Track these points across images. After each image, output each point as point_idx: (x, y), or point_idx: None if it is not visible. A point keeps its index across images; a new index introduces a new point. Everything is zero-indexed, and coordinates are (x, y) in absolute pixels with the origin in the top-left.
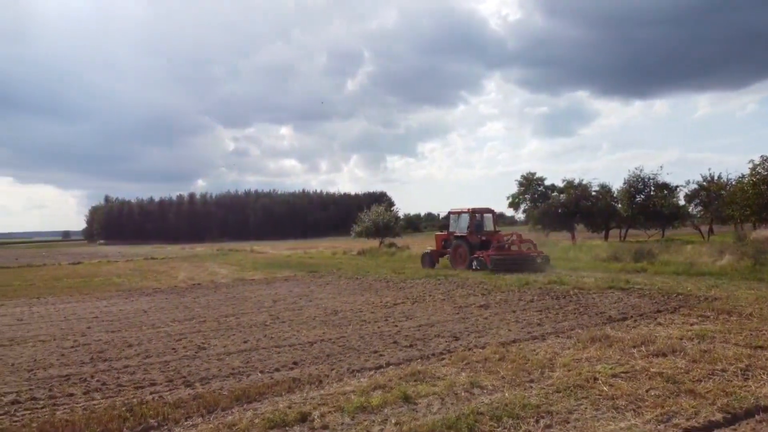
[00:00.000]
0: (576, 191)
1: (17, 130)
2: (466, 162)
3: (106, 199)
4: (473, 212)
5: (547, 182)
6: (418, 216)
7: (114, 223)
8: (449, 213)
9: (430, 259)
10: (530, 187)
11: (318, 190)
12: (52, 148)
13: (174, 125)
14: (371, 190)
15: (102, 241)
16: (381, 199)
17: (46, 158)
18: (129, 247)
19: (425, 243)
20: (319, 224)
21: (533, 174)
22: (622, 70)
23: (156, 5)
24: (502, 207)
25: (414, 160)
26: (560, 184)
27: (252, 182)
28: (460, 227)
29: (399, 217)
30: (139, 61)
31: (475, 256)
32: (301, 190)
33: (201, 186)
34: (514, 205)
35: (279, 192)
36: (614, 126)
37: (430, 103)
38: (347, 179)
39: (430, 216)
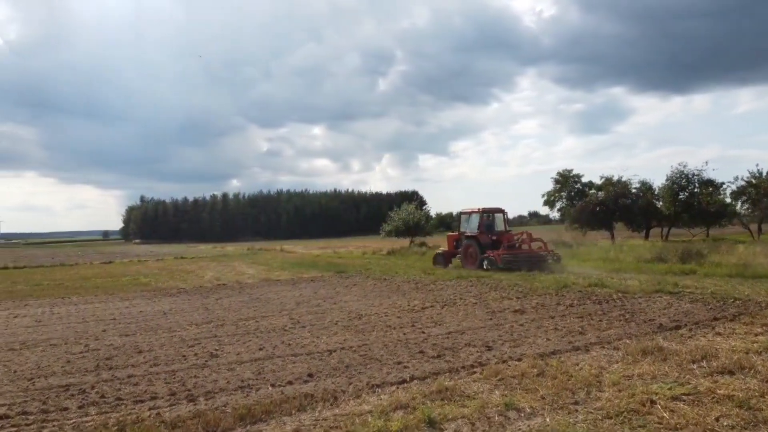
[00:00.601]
0: (615, 188)
1: (59, 132)
2: (499, 160)
3: (142, 199)
4: (483, 212)
5: (584, 179)
6: (450, 215)
7: (149, 222)
8: (460, 213)
9: (443, 260)
10: (566, 184)
11: (349, 189)
12: (93, 149)
13: (209, 126)
14: (403, 189)
15: (137, 241)
16: (412, 198)
17: (87, 160)
18: (162, 246)
19: None
20: (350, 224)
21: (569, 171)
22: (660, 66)
23: (191, 9)
24: (536, 206)
25: (446, 159)
26: (598, 182)
27: (285, 182)
28: (471, 227)
29: (430, 215)
30: (175, 64)
31: (486, 255)
32: (332, 190)
33: (235, 186)
34: (549, 203)
35: (310, 192)
36: (651, 123)
37: (462, 101)
38: (379, 178)
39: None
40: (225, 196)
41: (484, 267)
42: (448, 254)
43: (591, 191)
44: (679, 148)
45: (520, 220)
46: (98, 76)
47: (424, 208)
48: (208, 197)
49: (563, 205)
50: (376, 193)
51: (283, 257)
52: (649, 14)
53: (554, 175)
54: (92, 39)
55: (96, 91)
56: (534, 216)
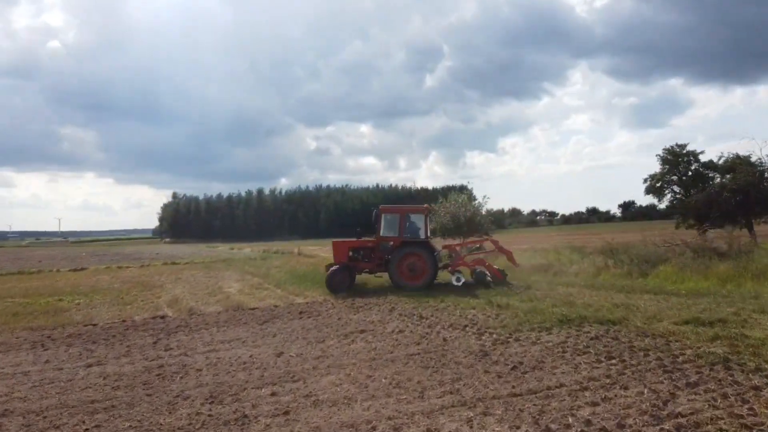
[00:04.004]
0: (755, 169)
1: (116, 134)
2: (549, 157)
3: (174, 195)
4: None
5: (702, 157)
6: (501, 211)
7: (181, 220)
8: (379, 212)
9: (345, 278)
10: (679, 164)
11: (393, 185)
12: (147, 150)
13: (258, 126)
14: (450, 184)
15: (167, 239)
16: (462, 191)
17: (142, 160)
18: (183, 246)
19: (517, 241)
20: None
21: (682, 147)
22: (720, 55)
23: (239, 11)
24: (592, 202)
25: (494, 156)
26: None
27: (332, 180)
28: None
29: (502, 210)
30: (225, 65)
31: (455, 268)
32: (375, 185)
33: (284, 184)
34: (655, 191)
35: (352, 188)
36: (711, 115)
37: (511, 96)
38: (426, 176)
39: (514, 211)
40: (260, 192)
41: (453, 282)
42: (347, 270)
43: (712, 175)
44: (740, 143)
45: (578, 218)
46: (151, 79)
47: (483, 198)
48: (243, 193)
49: (674, 192)
50: (422, 188)
51: (294, 264)
52: (709, 0)
53: (661, 152)
54: (145, 43)
55: (149, 94)
56: (593, 213)
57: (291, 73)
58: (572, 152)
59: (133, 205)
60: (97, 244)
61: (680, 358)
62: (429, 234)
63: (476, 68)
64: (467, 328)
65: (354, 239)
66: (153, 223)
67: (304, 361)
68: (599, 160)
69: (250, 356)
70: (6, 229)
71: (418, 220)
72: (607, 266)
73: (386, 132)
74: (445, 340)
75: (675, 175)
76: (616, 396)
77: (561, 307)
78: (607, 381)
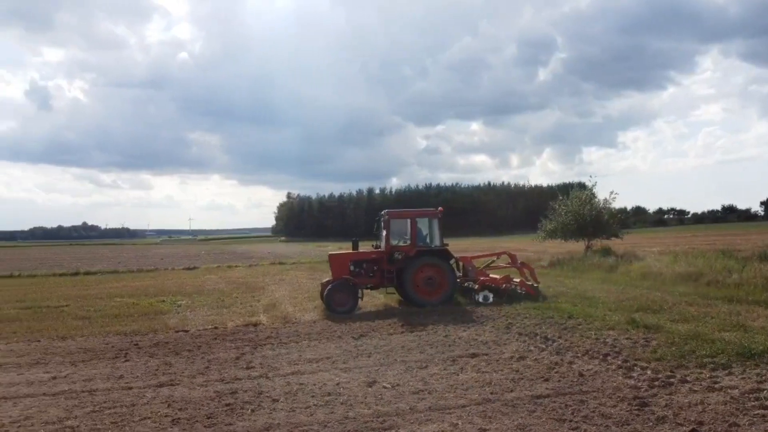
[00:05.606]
0: None
1: (238, 138)
2: (676, 151)
3: (288, 195)
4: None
5: None
6: (623, 210)
7: (295, 219)
8: (386, 217)
9: (350, 295)
10: None
11: (505, 182)
12: (265, 153)
13: (369, 126)
14: (567, 181)
15: (283, 238)
16: (582, 188)
17: (261, 162)
18: (297, 245)
19: (645, 243)
20: (506, 220)
21: None
22: None
23: (349, 12)
24: (728, 199)
25: (614, 151)
26: None
27: (443, 179)
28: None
29: (625, 208)
30: (336, 67)
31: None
32: (485, 183)
33: (394, 184)
34: None
35: (462, 186)
36: None
37: (631, 87)
38: (539, 173)
39: (638, 210)
40: (371, 191)
41: (480, 300)
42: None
43: None
44: None
45: (712, 217)
46: (268, 84)
47: (611, 195)
48: (354, 193)
49: None
50: (536, 186)
51: None
52: None
53: None
54: (262, 50)
55: (266, 99)
56: (730, 211)
57: (400, 73)
58: (702, 145)
59: (255, 205)
60: (217, 242)
61: None
62: (443, 241)
63: (593, 59)
64: (609, 359)
65: (353, 251)
66: (272, 221)
67: (400, 396)
68: (734, 153)
69: (337, 384)
70: (144, 227)
71: (431, 225)
72: None
73: (497, 129)
74: (581, 375)
75: None
76: None
77: (732, 332)
78: None
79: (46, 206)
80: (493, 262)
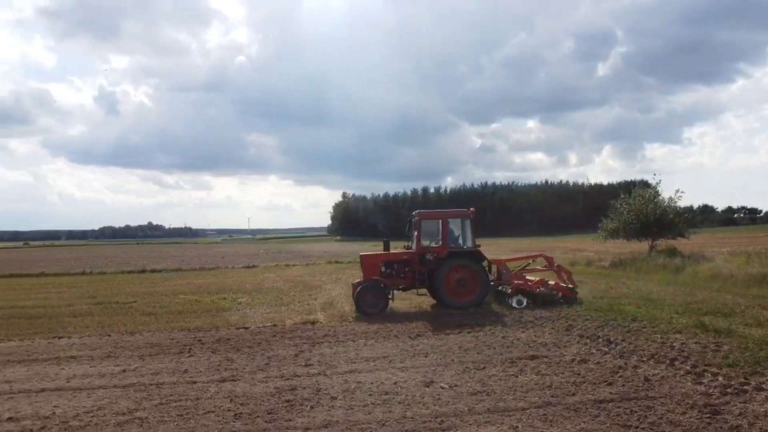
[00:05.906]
0: None
1: (293, 139)
2: (746, 146)
3: (343, 195)
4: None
5: None
6: (690, 209)
7: (350, 219)
8: (416, 217)
9: (380, 296)
10: None
11: (563, 181)
12: (320, 153)
13: (423, 125)
14: (629, 179)
15: (338, 237)
16: (646, 186)
17: (316, 162)
18: (352, 244)
19: (713, 243)
20: (565, 219)
21: None
22: None
23: (401, 11)
24: None
25: (679, 148)
26: None
27: (499, 178)
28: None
29: (691, 207)
30: (390, 67)
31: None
32: (543, 181)
33: (449, 183)
34: None
35: (519, 185)
36: None
37: (697, 81)
38: (599, 171)
39: (706, 208)
40: (425, 190)
41: (513, 304)
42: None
43: None
44: None
45: None
46: (322, 85)
47: (676, 193)
48: (408, 192)
49: None
50: (596, 184)
51: None
52: None
53: None
54: (316, 51)
55: (323, 99)
56: None
57: (454, 71)
58: None
59: (311, 205)
60: (275, 241)
61: None
62: (476, 242)
63: (655, 52)
64: (677, 363)
65: (384, 252)
66: (327, 221)
67: (458, 397)
68: None
69: (394, 383)
70: (206, 226)
71: (463, 226)
72: None
73: (554, 126)
74: (647, 380)
75: None
76: None
77: None
78: None
79: (114, 206)
80: (529, 264)
